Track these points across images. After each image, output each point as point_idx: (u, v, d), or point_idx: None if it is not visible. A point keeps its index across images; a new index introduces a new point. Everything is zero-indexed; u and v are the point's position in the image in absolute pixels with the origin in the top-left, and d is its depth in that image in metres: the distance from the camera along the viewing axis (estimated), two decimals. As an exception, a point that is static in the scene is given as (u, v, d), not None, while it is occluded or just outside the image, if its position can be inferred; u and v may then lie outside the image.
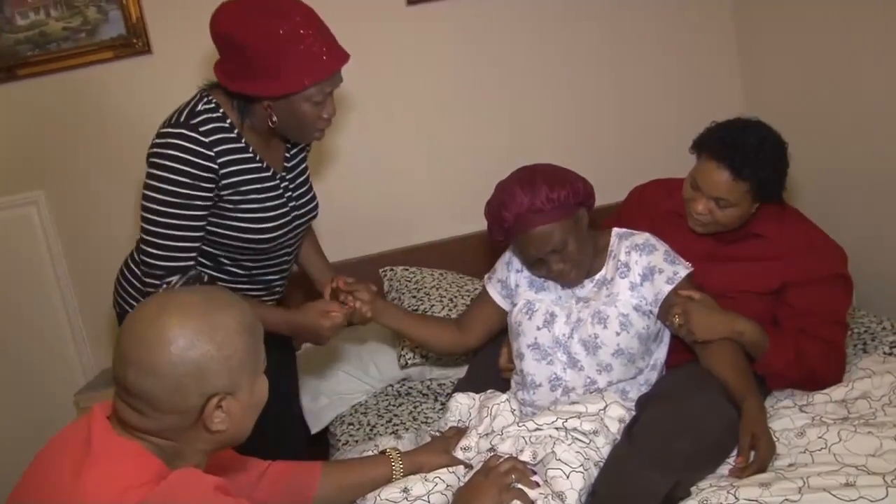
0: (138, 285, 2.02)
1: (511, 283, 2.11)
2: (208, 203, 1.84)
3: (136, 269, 2.05)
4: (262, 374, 1.32)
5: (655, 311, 1.96)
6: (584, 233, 1.96)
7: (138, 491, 1.15)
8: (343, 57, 1.84)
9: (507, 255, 2.14)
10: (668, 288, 1.94)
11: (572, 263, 1.93)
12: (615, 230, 2.06)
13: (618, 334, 1.90)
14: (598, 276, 2.00)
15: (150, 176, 1.81)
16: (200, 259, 1.95)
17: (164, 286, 1.85)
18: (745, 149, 1.94)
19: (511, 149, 2.92)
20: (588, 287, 2.00)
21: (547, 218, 1.87)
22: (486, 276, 2.19)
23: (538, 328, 1.98)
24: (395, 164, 2.91)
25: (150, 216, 1.83)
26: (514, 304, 2.07)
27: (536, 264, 1.96)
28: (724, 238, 2.08)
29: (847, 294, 2.06)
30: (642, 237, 2.01)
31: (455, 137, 2.93)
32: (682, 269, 1.97)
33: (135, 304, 2.03)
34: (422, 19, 2.82)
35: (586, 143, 2.98)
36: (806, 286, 2.00)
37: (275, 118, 1.84)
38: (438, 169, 2.94)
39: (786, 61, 2.81)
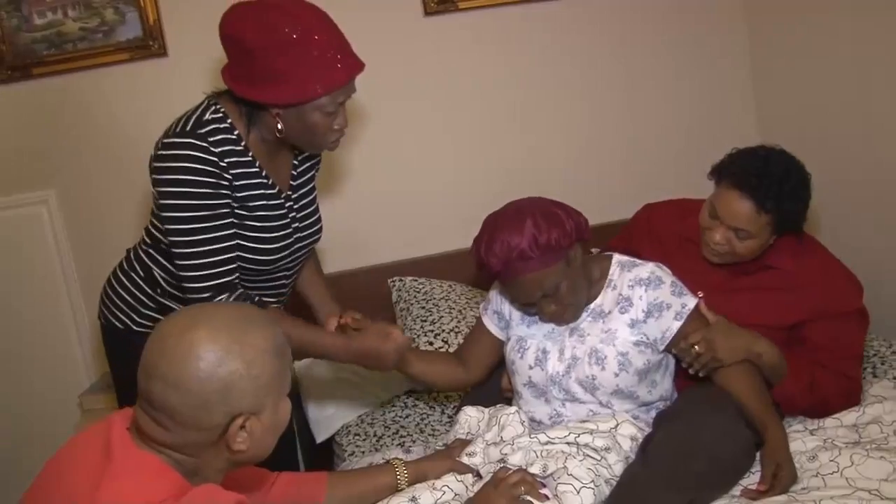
0: (130, 300, 1.94)
1: (506, 313, 2.03)
2: (231, 210, 1.76)
3: (126, 281, 1.95)
4: (286, 397, 1.30)
5: (661, 347, 1.88)
6: (578, 270, 1.85)
7: None
8: (357, 66, 1.75)
9: (500, 286, 2.04)
10: (677, 325, 1.86)
11: (565, 305, 1.85)
12: (616, 258, 1.97)
13: (616, 375, 1.84)
14: (593, 306, 1.92)
15: (165, 194, 1.70)
16: None
17: None
18: (770, 180, 1.89)
19: (524, 161, 2.93)
20: (583, 317, 1.92)
21: (536, 265, 1.76)
22: (481, 307, 2.11)
23: (530, 367, 1.92)
24: (406, 174, 2.91)
25: (179, 238, 1.72)
26: (508, 339, 2.00)
27: (527, 306, 1.90)
28: (738, 269, 2.03)
29: (863, 328, 2.03)
30: (647, 269, 1.91)
31: (468, 149, 2.92)
32: (690, 300, 1.89)
33: (125, 318, 1.95)
34: (439, 29, 2.82)
35: (598, 158, 2.97)
36: (822, 321, 1.97)
37: (281, 126, 1.74)
38: (450, 180, 2.93)
39: (800, 82, 2.81)
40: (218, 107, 1.76)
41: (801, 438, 1.85)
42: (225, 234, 1.74)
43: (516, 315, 1.99)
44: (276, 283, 1.97)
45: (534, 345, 1.93)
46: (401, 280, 2.77)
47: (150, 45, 2.65)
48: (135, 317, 1.94)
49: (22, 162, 2.69)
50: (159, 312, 1.89)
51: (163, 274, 1.90)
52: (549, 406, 1.91)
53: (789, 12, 2.78)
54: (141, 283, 1.93)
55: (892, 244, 2.51)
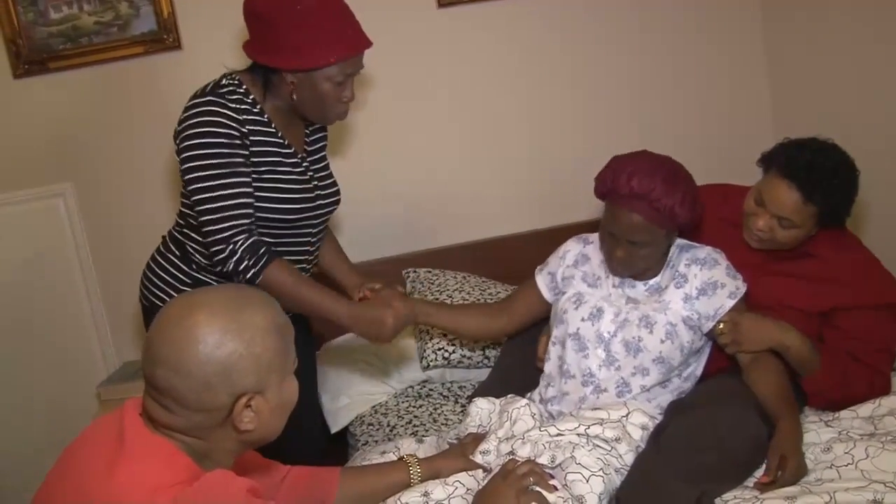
0: (168, 278, 2.07)
1: (559, 276, 2.11)
2: (248, 161, 1.90)
3: (163, 262, 2.09)
4: (292, 375, 1.31)
5: (710, 324, 1.93)
6: (663, 246, 1.94)
7: (170, 490, 1.14)
8: (366, 41, 1.92)
9: (562, 251, 2.14)
10: (731, 303, 1.92)
11: (632, 262, 1.92)
12: (677, 240, 2.02)
13: (662, 342, 1.89)
14: (652, 282, 1.98)
15: (187, 147, 1.85)
16: None
17: (231, 247, 1.85)
18: (820, 172, 1.90)
19: (537, 153, 2.92)
20: (640, 289, 1.98)
21: (652, 217, 1.85)
22: (537, 268, 2.19)
23: (582, 319, 1.97)
24: (421, 165, 2.90)
25: (199, 185, 1.85)
26: (563, 293, 2.07)
27: (608, 237, 1.94)
28: (778, 254, 2.04)
29: None
30: (704, 251, 1.99)
31: (482, 141, 2.92)
32: (743, 285, 1.95)
33: (163, 296, 2.07)
34: (452, 21, 2.81)
35: (611, 151, 2.91)
36: (856, 311, 1.97)
37: (296, 95, 1.91)
38: (463, 172, 2.93)
39: (816, 75, 2.77)
40: (234, 76, 1.94)
41: (817, 430, 1.85)
42: (242, 181, 1.87)
43: (578, 276, 2.07)
44: (302, 240, 2.08)
45: (591, 301, 2.00)
46: (415, 271, 2.77)
47: (165, 38, 2.66)
48: (173, 293, 2.06)
49: (39, 155, 2.71)
50: (195, 287, 1.95)
51: (196, 247, 2.02)
52: (586, 362, 1.94)
53: (805, 3, 2.75)
54: (177, 261, 2.07)
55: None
